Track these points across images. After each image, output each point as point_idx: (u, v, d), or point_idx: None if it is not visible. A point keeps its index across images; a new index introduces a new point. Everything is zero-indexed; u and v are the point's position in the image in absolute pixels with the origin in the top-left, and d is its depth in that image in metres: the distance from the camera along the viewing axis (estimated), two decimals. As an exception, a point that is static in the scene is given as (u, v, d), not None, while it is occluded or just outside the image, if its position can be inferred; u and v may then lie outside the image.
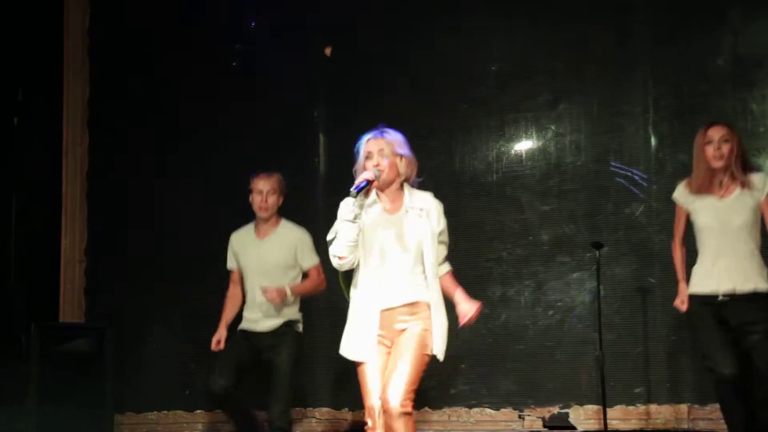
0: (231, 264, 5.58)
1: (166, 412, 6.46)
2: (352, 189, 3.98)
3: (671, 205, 5.83)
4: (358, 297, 4.20)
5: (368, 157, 4.15)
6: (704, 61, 6.01)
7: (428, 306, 4.14)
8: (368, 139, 4.21)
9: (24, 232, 5.99)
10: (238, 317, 5.51)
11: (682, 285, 5.04)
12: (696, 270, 4.93)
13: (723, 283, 4.81)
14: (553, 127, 6.30)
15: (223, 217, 6.04)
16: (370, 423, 4.02)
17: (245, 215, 5.57)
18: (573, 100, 6.26)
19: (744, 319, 4.80)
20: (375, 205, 4.17)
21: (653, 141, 6.10)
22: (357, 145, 4.24)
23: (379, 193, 4.18)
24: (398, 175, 4.20)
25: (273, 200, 5.45)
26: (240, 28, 6.77)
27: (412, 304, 4.14)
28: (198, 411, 6.45)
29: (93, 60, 6.99)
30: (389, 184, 4.18)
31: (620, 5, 6.17)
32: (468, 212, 5.91)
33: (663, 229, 5.91)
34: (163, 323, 6.32)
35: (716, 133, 4.86)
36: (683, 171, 5.82)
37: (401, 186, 4.21)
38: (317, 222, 5.82)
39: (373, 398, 4.05)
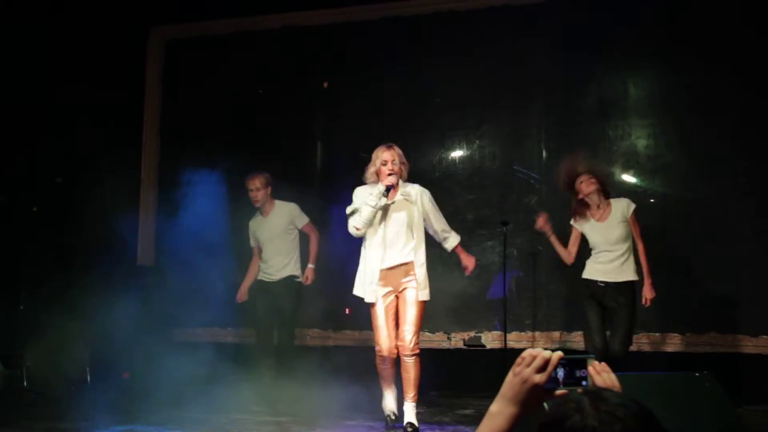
0: (252, 242, 6.46)
1: (205, 327, 7.28)
2: (383, 192, 4.65)
3: (555, 197, 6.71)
4: (367, 255, 4.83)
5: (384, 163, 4.76)
6: (579, 100, 7.04)
7: (413, 265, 4.79)
8: (384, 150, 4.82)
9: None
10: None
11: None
12: (589, 263, 5.62)
13: (605, 275, 5.52)
14: (477, 142, 7.26)
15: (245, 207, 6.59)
16: (380, 349, 4.74)
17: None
18: (492, 123, 7.23)
19: (615, 299, 5.49)
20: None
21: (544, 153, 7.08)
22: (373, 153, 4.83)
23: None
24: (401, 176, 4.88)
25: (261, 194, 6.20)
26: (264, 68, 7.72)
27: (405, 264, 4.81)
28: (229, 327, 7.47)
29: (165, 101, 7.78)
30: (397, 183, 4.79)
31: (525, 64, 7.14)
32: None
33: (549, 212, 6.29)
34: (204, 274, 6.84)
35: (584, 177, 5.53)
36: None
37: (399, 182, 4.89)
38: (314, 206, 6.70)
39: (382, 334, 4.71)
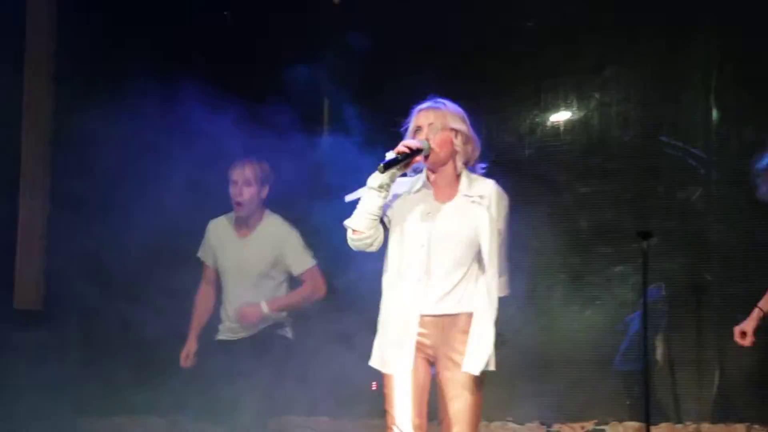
0: (203, 255, 5.21)
1: (134, 416, 6.22)
2: (382, 166, 3.62)
3: (734, 190, 5.62)
4: (393, 298, 3.85)
5: (416, 131, 3.80)
6: (770, 25, 5.80)
7: (475, 317, 3.79)
8: (419, 110, 3.88)
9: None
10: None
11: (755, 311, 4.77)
12: None
13: None
14: (597, 96, 6.09)
15: (200, 206, 5.64)
16: None
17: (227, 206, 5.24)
18: (622, 63, 5.99)
19: None
20: (423, 190, 3.83)
21: (714, 114, 5.84)
22: (406, 121, 3.93)
23: (430, 175, 3.81)
24: (453, 153, 3.81)
25: (250, 193, 5.01)
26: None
27: (455, 315, 3.80)
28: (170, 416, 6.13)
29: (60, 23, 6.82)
30: (442, 164, 3.79)
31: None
32: (495, 192, 5.07)
33: (723, 217, 5.65)
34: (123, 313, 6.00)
35: None
36: (750, 149, 5.36)
37: (457, 170, 3.87)
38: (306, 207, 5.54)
39: (400, 415, 3.76)
